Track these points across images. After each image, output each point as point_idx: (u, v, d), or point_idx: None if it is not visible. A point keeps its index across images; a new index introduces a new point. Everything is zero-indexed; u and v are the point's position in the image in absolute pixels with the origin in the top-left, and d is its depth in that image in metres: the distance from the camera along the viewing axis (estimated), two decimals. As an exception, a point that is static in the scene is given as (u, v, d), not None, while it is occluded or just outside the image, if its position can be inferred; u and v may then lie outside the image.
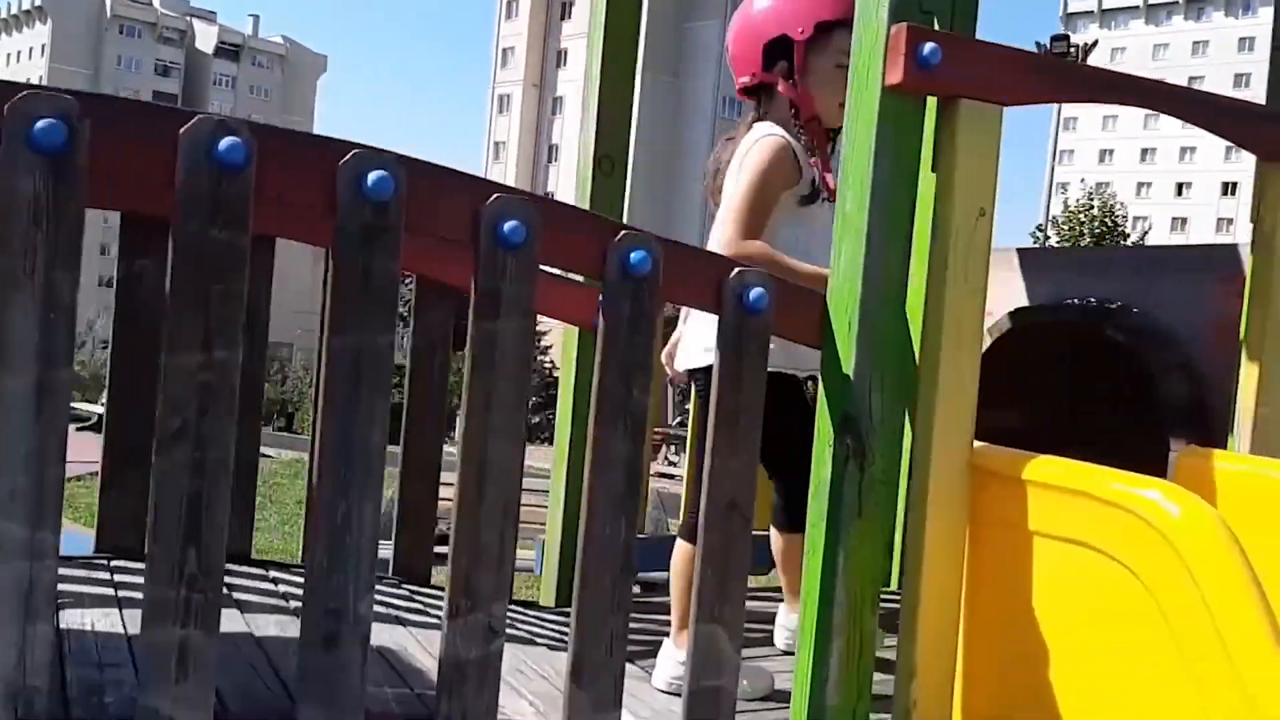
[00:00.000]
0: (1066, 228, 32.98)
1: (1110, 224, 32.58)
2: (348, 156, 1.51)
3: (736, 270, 1.81)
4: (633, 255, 1.70)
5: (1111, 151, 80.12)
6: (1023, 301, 2.96)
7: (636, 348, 1.72)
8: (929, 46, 1.77)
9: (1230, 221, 77.85)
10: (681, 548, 2.30)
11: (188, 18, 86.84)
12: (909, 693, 1.89)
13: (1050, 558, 1.82)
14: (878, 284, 1.84)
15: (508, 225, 1.59)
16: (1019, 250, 2.98)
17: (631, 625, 1.77)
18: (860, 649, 1.86)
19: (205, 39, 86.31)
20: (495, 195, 1.60)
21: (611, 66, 2.72)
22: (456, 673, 1.61)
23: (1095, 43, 25.30)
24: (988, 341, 2.96)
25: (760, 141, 2.23)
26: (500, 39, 73.60)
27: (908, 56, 1.78)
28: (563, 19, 69.70)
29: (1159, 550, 1.60)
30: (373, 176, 1.51)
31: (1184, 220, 77.39)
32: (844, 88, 1.90)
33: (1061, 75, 1.97)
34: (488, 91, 74.80)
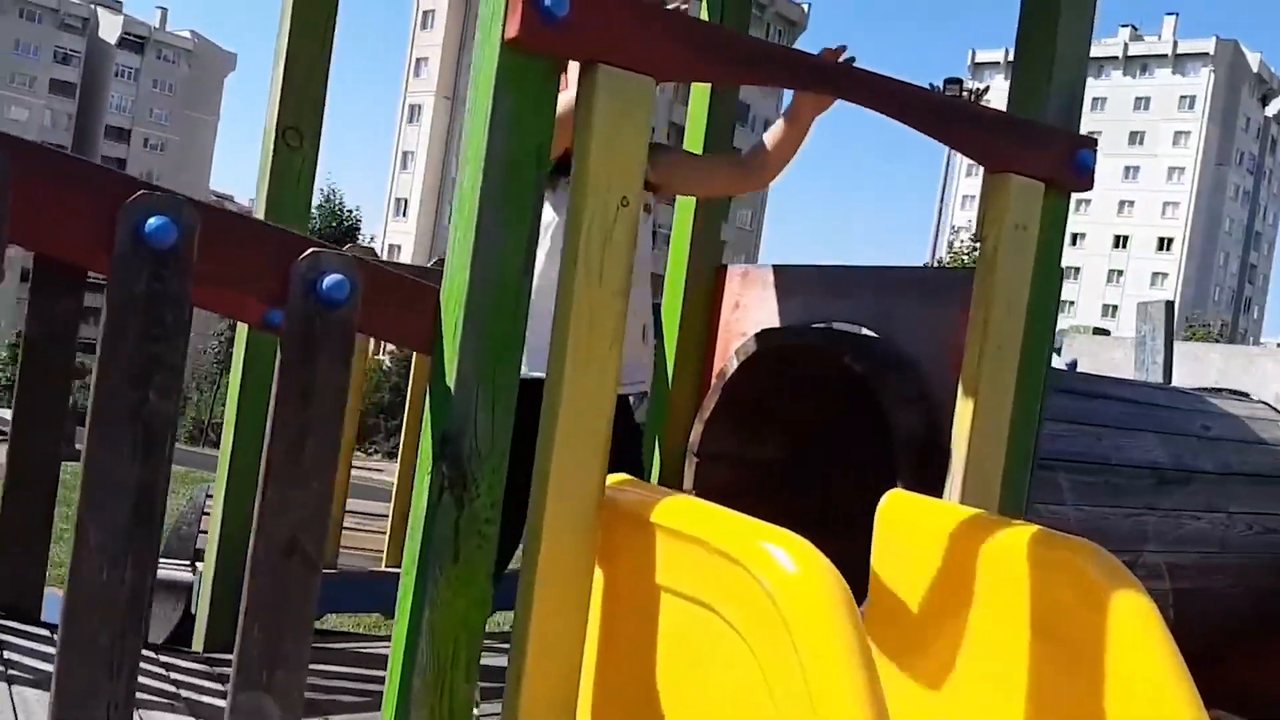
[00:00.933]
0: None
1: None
2: None
3: (310, 251, 1.48)
4: (149, 221, 1.35)
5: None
6: (776, 323, 2.68)
7: (156, 340, 1.37)
8: (551, -8, 1.46)
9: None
10: None
11: (91, 5, 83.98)
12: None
13: (676, 615, 1.52)
14: (491, 278, 1.52)
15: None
16: (774, 267, 2.70)
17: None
18: (451, 721, 1.53)
19: (109, 28, 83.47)
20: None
21: (301, 27, 2.36)
22: None
23: (986, 88, 25.54)
24: (735, 365, 2.67)
25: None
26: (415, 49, 72.70)
27: (527, 5, 1.46)
28: (479, 32, 68.99)
29: (765, 612, 1.31)
30: None
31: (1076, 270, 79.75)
32: None
33: (732, 49, 1.67)
34: (398, 101, 73.76)
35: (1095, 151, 2.02)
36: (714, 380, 2.72)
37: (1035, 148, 1.96)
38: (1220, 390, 3.26)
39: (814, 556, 1.34)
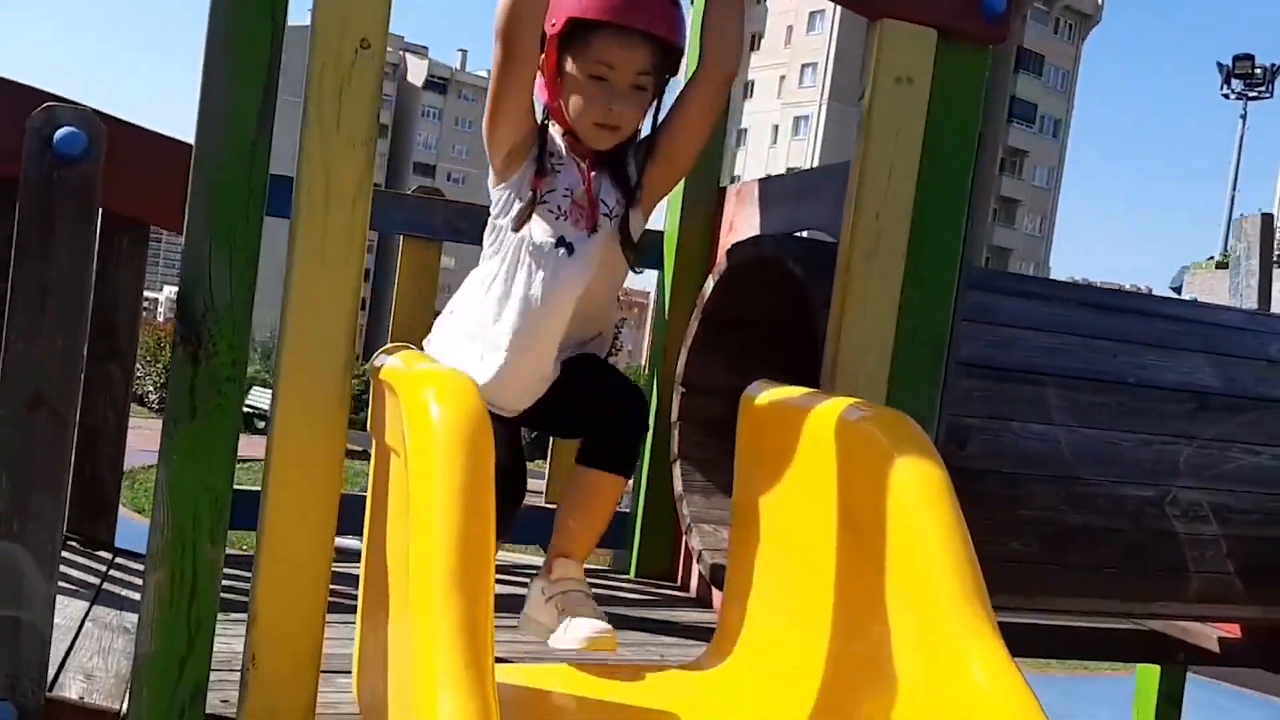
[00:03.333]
0: None
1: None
2: None
3: (45, 105, 1.49)
4: None
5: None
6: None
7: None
8: None
9: None
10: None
11: (401, 52, 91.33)
12: (248, 644, 1.51)
13: (393, 472, 1.42)
14: (219, 126, 1.48)
15: None
16: (760, 181, 2.51)
17: None
18: (194, 586, 1.50)
19: (416, 72, 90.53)
20: None
21: None
22: None
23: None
24: (710, 287, 2.49)
25: None
26: None
27: None
28: None
29: (412, 433, 1.20)
30: None
31: None
32: (599, 104, 1.69)
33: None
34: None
35: (1008, -7, 1.74)
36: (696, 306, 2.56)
37: (917, -12, 1.71)
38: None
39: (458, 393, 1.22)
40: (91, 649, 1.81)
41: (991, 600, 2.41)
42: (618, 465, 1.79)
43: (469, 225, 2.55)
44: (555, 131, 1.80)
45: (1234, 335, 2.41)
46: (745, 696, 1.59)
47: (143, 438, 3.74)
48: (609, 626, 1.67)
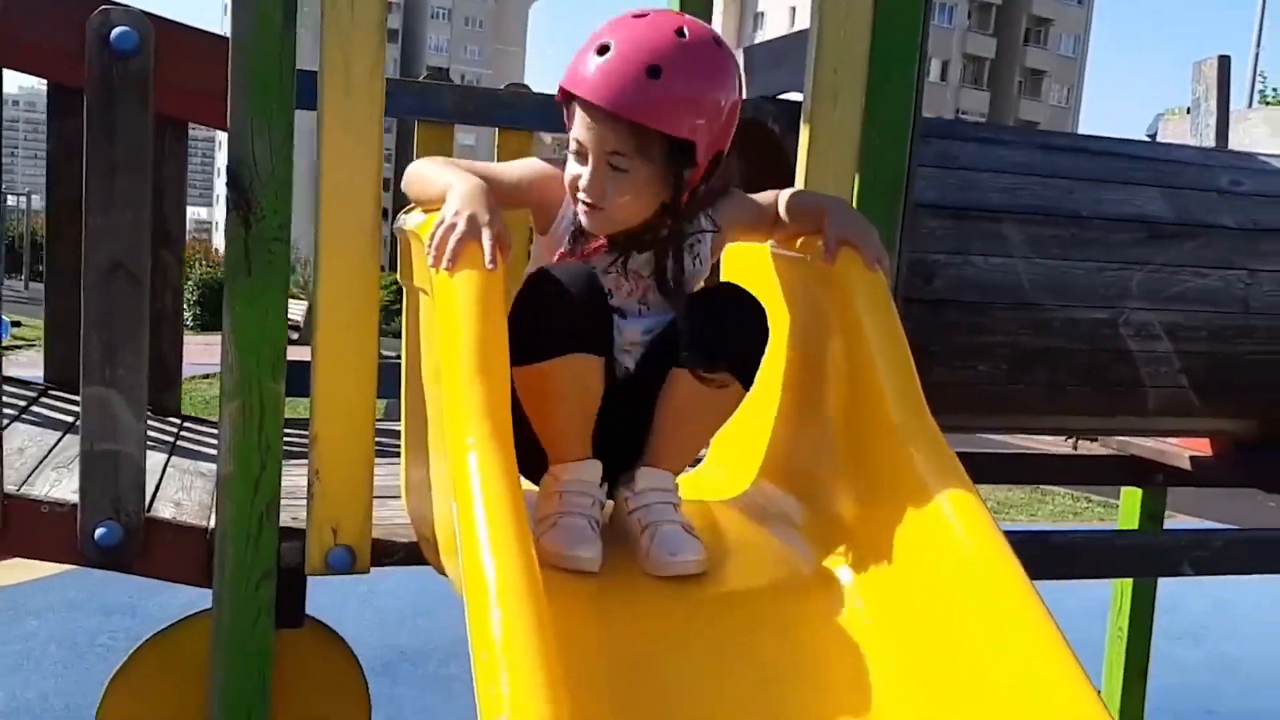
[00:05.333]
0: None
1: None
2: None
3: (100, 9, 1.73)
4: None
5: None
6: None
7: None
8: None
9: None
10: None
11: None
12: (311, 461, 1.79)
13: (421, 310, 1.68)
14: (252, 21, 1.71)
15: None
16: (744, 50, 2.69)
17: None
18: (261, 415, 1.77)
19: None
20: None
21: None
22: None
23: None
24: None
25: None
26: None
27: None
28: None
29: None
30: None
31: None
32: (573, 176, 1.53)
33: None
34: None
35: None
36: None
37: None
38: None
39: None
40: (175, 486, 2.11)
41: (963, 419, 2.68)
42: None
43: (474, 107, 2.79)
44: None
45: (1186, 170, 2.61)
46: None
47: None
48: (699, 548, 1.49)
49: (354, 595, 4.32)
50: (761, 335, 1.57)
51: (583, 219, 1.56)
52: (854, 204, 1.97)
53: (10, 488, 1.84)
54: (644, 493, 1.54)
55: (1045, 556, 2.32)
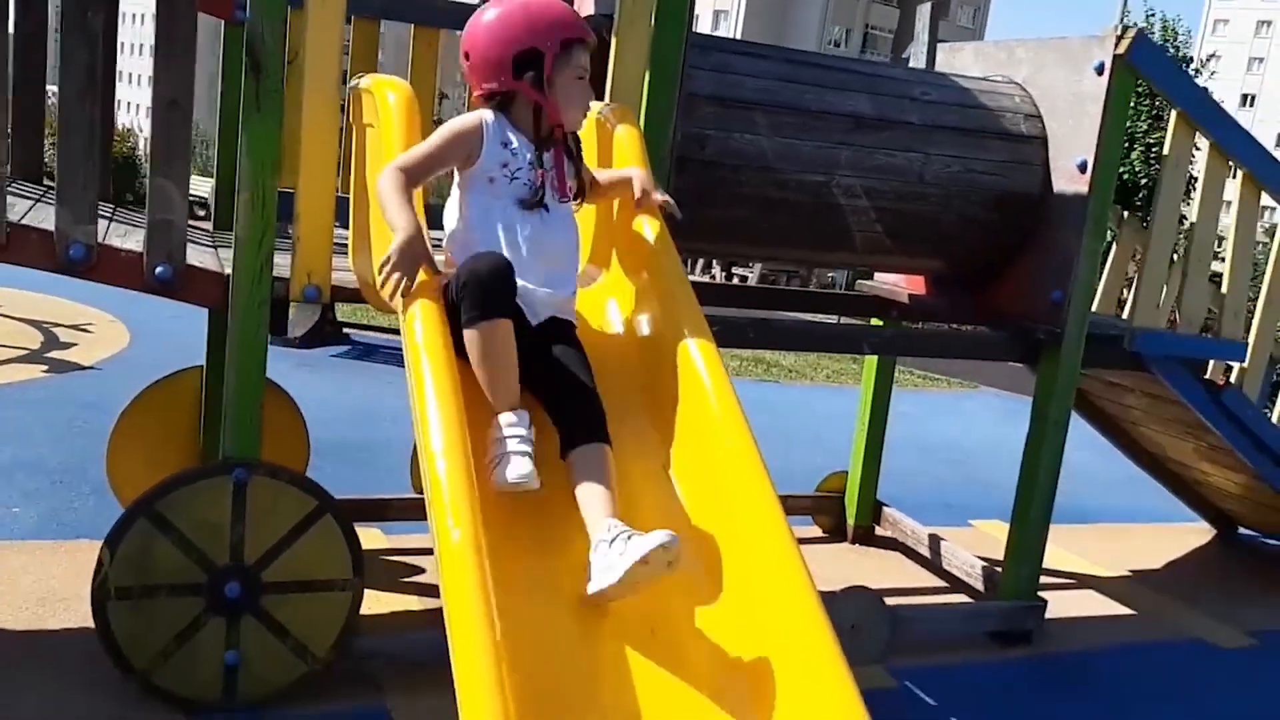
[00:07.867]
0: None
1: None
2: None
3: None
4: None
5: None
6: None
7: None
8: None
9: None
10: None
11: None
12: (294, 229, 2.90)
13: (366, 137, 2.79)
14: (265, -47, 2.75)
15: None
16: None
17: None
18: (264, 200, 2.86)
19: None
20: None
21: None
22: None
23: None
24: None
25: (467, 113, 2.46)
26: None
27: None
28: None
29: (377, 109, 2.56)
30: None
31: None
32: (583, 97, 2.44)
33: None
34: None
35: None
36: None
37: None
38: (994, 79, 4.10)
39: (398, 87, 2.57)
40: (200, 254, 3.19)
41: (730, 247, 3.91)
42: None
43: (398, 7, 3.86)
44: (507, 126, 2.41)
45: (891, 83, 3.80)
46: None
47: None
48: (670, 535, 1.94)
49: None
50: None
51: (573, 126, 2.48)
52: (644, 92, 3.11)
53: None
54: (610, 528, 2.02)
55: (770, 334, 3.55)
